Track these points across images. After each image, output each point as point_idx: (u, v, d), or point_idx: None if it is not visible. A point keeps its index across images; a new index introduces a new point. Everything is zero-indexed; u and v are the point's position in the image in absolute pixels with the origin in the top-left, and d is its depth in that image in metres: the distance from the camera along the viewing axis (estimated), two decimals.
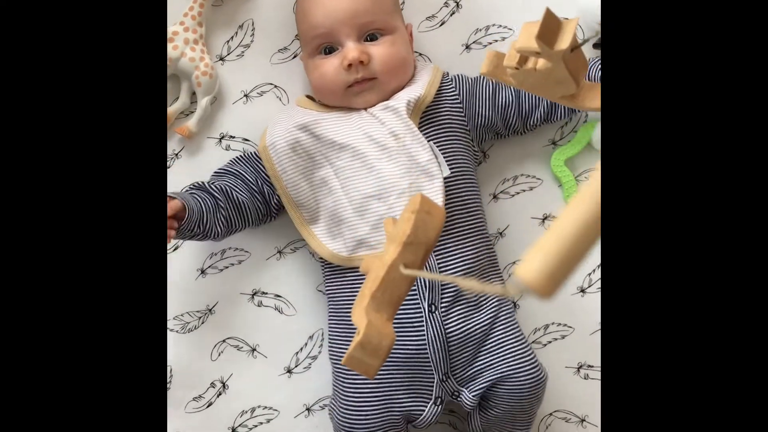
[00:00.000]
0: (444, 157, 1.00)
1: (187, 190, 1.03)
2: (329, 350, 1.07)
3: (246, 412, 1.13)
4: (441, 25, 1.14)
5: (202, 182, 1.05)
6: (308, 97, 1.10)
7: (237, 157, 1.09)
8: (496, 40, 1.14)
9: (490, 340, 1.01)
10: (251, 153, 1.09)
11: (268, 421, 1.13)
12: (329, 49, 1.03)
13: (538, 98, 1.05)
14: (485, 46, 1.14)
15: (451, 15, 1.14)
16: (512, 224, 1.14)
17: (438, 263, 0.99)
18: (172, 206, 0.93)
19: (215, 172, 1.08)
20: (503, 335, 1.02)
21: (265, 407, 1.14)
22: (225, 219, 1.02)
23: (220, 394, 1.13)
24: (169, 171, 1.11)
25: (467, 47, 1.14)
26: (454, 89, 1.06)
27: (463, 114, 1.06)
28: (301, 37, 1.08)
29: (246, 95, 1.13)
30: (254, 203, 1.05)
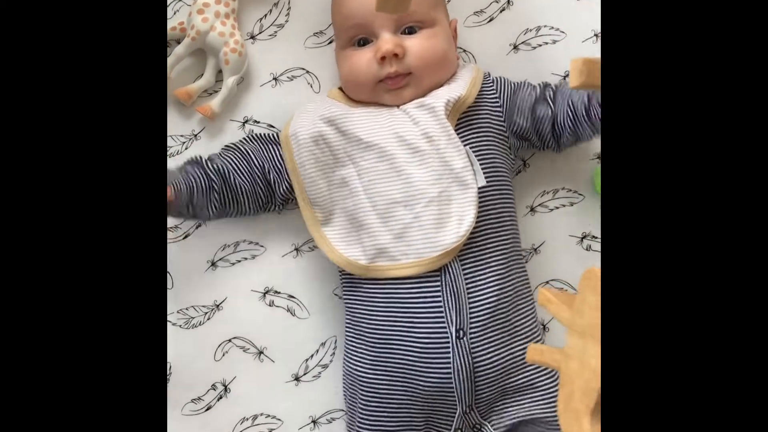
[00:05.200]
0: (480, 165, 0.92)
1: (182, 166, 0.97)
2: (344, 364, 0.99)
3: (247, 419, 1.05)
4: (489, 21, 1.06)
5: (200, 157, 0.98)
6: (341, 89, 1.02)
7: (254, 135, 1.01)
8: (546, 42, 1.06)
9: (520, 376, 0.93)
10: (272, 136, 1.01)
11: (270, 431, 1.05)
12: (363, 41, 0.95)
13: (574, 116, 0.94)
14: (534, 48, 1.06)
15: (500, 12, 1.06)
16: (548, 241, 1.06)
17: (467, 283, 0.90)
18: None
19: (226, 146, 1.01)
20: (535, 371, 0.94)
21: (268, 415, 1.05)
22: (218, 202, 0.96)
23: (220, 397, 1.05)
24: (186, 152, 1.04)
25: (515, 47, 1.07)
26: (495, 92, 0.98)
27: (503, 119, 0.98)
28: (335, 28, 1.01)
29: (275, 78, 1.05)
30: (254, 189, 0.97)
